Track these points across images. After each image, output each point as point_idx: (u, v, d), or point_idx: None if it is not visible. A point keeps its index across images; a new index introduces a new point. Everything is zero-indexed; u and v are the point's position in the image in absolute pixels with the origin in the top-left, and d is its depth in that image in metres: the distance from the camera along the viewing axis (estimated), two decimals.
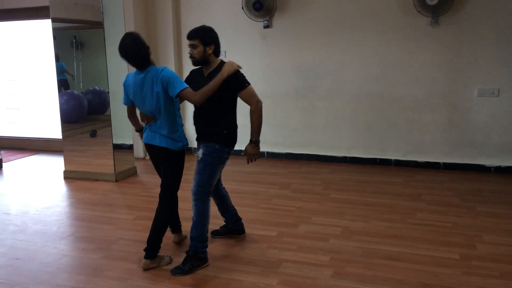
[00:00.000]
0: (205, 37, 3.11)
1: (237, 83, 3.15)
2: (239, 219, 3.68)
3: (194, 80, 3.26)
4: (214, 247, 3.49)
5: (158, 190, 3.24)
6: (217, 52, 3.20)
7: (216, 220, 3.97)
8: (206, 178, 3.14)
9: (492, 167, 5.39)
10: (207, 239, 3.22)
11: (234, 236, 3.67)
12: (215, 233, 3.69)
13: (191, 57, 3.15)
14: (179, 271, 3.09)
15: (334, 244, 3.51)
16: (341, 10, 5.63)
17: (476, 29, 5.18)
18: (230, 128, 3.24)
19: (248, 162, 3.27)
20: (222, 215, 3.68)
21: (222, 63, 3.21)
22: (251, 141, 3.22)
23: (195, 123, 3.30)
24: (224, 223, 3.73)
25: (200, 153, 3.17)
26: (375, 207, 4.31)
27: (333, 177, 5.34)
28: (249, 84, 3.21)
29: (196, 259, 3.14)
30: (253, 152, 3.22)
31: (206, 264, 3.19)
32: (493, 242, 3.50)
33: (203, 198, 3.15)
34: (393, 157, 5.76)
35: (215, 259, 3.30)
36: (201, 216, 3.15)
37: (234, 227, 3.67)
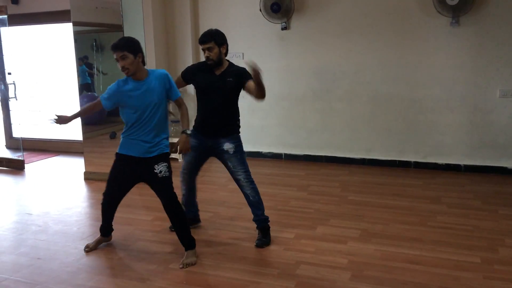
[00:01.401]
0: (218, 39, 3.42)
1: (246, 75, 3.42)
2: (198, 209, 3.95)
3: (204, 78, 3.52)
4: (231, 249, 3.50)
5: (176, 191, 3.29)
6: (227, 52, 3.52)
7: (241, 223, 3.98)
8: (246, 163, 3.59)
9: None
10: None
11: (195, 227, 3.86)
12: (172, 227, 3.82)
13: (208, 59, 3.44)
14: (264, 243, 3.53)
15: (352, 246, 3.48)
16: (360, 11, 5.59)
17: (498, 29, 5.09)
18: (239, 118, 3.65)
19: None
20: (185, 205, 3.80)
21: (231, 62, 3.55)
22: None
23: (209, 122, 3.55)
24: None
25: (230, 147, 3.51)
26: (394, 209, 4.27)
27: (351, 179, 5.30)
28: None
29: (268, 228, 3.62)
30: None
31: None
32: None
33: (252, 179, 3.59)
34: (412, 159, 5.69)
35: (232, 261, 3.30)
36: (258, 193, 3.61)
37: (193, 217, 3.88)
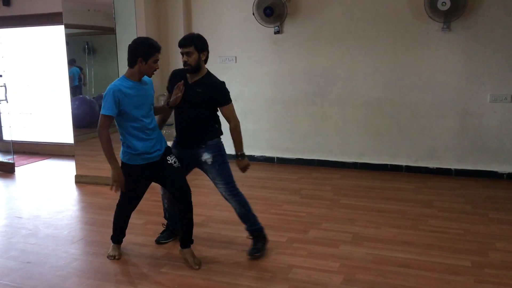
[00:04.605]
0: (198, 44, 3.20)
1: (221, 97, 3.26)
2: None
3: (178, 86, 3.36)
4: (223, 253, 3.49)
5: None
6: (207, 59, 3.30)
7: (234, 226, 3.98)
8: (228, 174, 3.34)
9: (504, 173, 5.33)
10: (257, 218, 3.47)
11: (176, 239, 3.69)
12: (161, 239, 3.70)
13: (185, 64, 3.22)
14: (257, 251, 3.36)
15: (344, 250, 3.49)
16: (352, 16, 5.62)
17: (488, 34, 5.14)
18: (218, 121, 3.38)
19: (243, 172, 3.42)
20: (167, 216, 3.70)
21: (209, 73, 3.31)
22: (236, 155, 3.33)
23: (181, 133, 3.38)
24: (166, 226, 3.76)
25: (207, 157, 3.30)
26: (386, 213, 4.28)
27: (343, 183, 5.31)
28: (230, 102, 3.31)
29: (262, 237, 3.43)
30: (244, 165, 3.36)
31: (267, 240, 3.49)
32: (506, 249, 3.46)
33: (235, 191, 3.37)
34: (404, 163, 5.72)
35: (225, 265, 3.29)
36: (244, 205, 3.40)
37: (174, 230, 3.71)
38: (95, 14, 5.42)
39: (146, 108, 3.18)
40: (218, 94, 3.24)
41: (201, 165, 3.37)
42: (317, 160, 6.10)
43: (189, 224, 3.33)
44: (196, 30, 6.33)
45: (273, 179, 5.54)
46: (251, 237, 3.45)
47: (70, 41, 5.70)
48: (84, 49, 5.97)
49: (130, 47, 3.14)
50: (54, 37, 7.42)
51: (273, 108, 6.15)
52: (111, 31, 5.21)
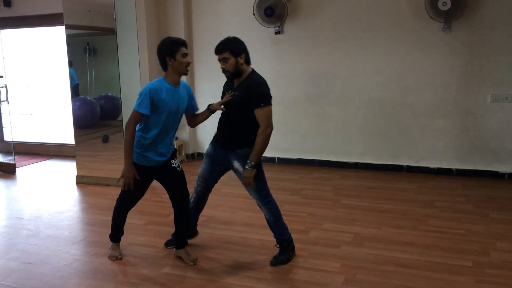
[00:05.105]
0: (233, 48, 3.05)
1: (254, 99, 3.05)
2: (196, 225, 3.68)
3: (224, 88, 3.31)
4: (224, 254, 3.49)
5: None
6: (248, 60, 3.14)
7: (234, 227, 3.98)
8: (261, 183, 3.23)
9: (506, 173, 5.32)
10: (288, 228, 3.38)
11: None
12: (169, 243, 3.61)
13: (224, 71, 3.09)
14: (279, 262, 3.26)
15: (345, 250, 3.49)
16: (353, 16, 5.62)
17: (489, 34, 5.14)
18: (255, 133, 3.13)
19: (245, 184, 3.15)
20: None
21: (253, 71, 3.16)
22: (247, 163, 3.08)
23: (219, 132, 3.30)
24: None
25: (238, 166, 3.17)
26: (387, 213, 4.28)
27: (344, 183, 5.31)
28: (265, 105, 3.07)
29: (290, 249, 3.33)
30: (248, 176, 3.08)
31: (294, 252, 3.39)
32: (507, 249, 3.46)
33: (268, 199, 3.29)
34: (405, 163, 5.71)
35: (226, 266, 3.29)
36: (275, 214, 3.31)
37: (191, 232, 3.62)
38: (96, 15, 5.43)
39: (174, 115, 3.15)
40: (250, 96, 3.04)
41: (235, 172, 3.27)
42: (318, 160, 6.09)
43: (185, 226, 3.38)
44: (196, 30, 6.34)
45: (274, 179, 5.53)
46: (278, 246, 3.34)
47: (71, 42, 5.71)
48: (85, 50, 5.98)
49: (157, 51, 3.13)
50: (55, 38, 7.42)
51: (274, 109, 6.02)
52: (112, 31, 5.22)
